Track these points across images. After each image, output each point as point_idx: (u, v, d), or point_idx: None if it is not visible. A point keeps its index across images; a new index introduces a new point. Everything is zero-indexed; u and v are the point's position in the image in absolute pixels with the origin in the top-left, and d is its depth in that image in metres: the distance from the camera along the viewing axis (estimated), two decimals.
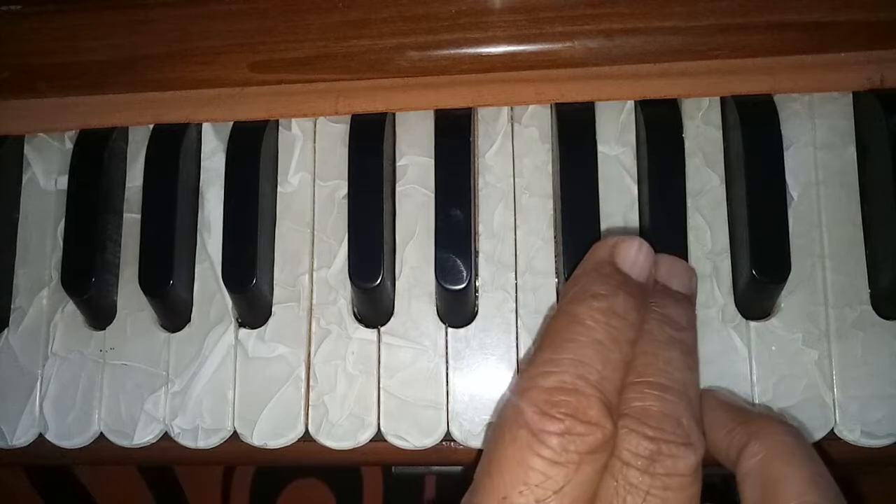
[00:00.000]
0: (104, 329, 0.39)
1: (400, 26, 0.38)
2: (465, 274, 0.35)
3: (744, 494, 0.26)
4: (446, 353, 0.36)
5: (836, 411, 0.34)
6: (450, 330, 0.37)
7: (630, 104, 0.38)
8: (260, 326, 0.38)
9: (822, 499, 0.25)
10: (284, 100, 0.39)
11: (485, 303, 0.37)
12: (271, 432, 0.36)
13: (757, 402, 0.35)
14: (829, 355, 0.35)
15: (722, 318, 0.35)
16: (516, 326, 0.36)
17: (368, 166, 0.37)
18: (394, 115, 0.39)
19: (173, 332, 0.38)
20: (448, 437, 0.36)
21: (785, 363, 0.35)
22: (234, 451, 0.38)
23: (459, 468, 0.41)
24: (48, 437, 0.38)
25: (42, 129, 0.41)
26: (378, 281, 0.35)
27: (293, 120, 0.40)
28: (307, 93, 0.39)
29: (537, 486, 0.24)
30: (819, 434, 0.34)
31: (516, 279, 0.37)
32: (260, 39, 0.39)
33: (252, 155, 0.38)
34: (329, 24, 0.38)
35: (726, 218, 0.36)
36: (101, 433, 0.38)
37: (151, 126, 0.40)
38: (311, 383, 0.37)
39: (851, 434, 0.34)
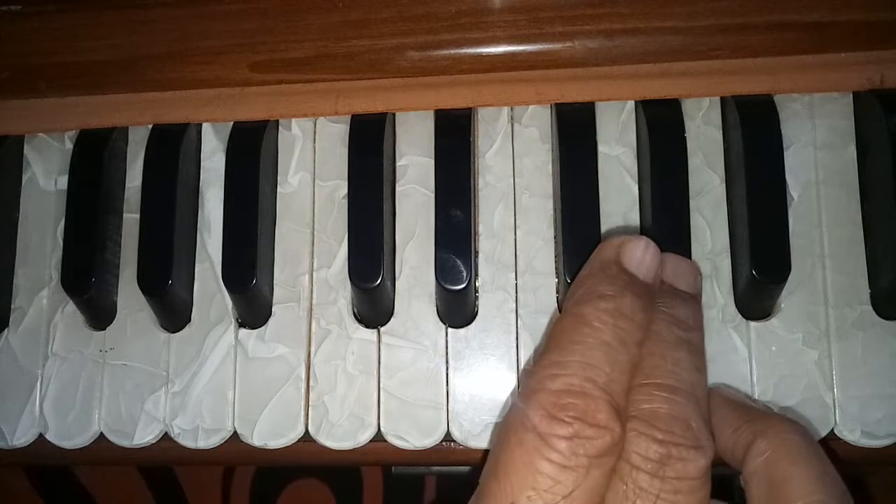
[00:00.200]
0: (104, 329, 0.39)
1: (400, 26, 0.38)
2: (465, 274, 0.35)
3: (750, 494, 0.26)
4: (446, 354, 0.36)
5: (836, 411, 0.34)
6: (450, 330, 0.37)
7: (630, 104, 0.38)
8: (260, 326, 0.38)
9: (829, 497, 0.25)
10: (284, 100, 0.39)
11: (485, 303, 0.37)
12: (271, 432, 0.36)
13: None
14: (829, 355, 0.35)
15: (722, 318, 0.35)
16: (516, 327, 0.36)
17: (368, 166, 0.37)
18: (394, 115, 0.39)
19: (173, 332, 0.38)
20: (448, 437, 0.36)
21: (785, 363, 0.35)
22: (234, 451, 0.38)
23: (459, 468, 0.41)
24: (48, 437, 0.38)
25: (42, 129, 0.41)
26: (378, 281, 0.35)
27: (293, 120, 0.40)
28: (307, 93, 0.39)
29: (546, 490, 0.24)
30: (819, 434, 0.34)
31: (516, 279, 0.37)
32: (260, 39, 0.39)
33: (252, 155, 0.38)
34: (329, 24, 0.38)
35: (726, 218, 0.36)
36: (101, 433, 0.38)
37: (151, 126, 0.40)
38: (311, 383, 0.37)
39: (851, 434, 0.34)
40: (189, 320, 0.38)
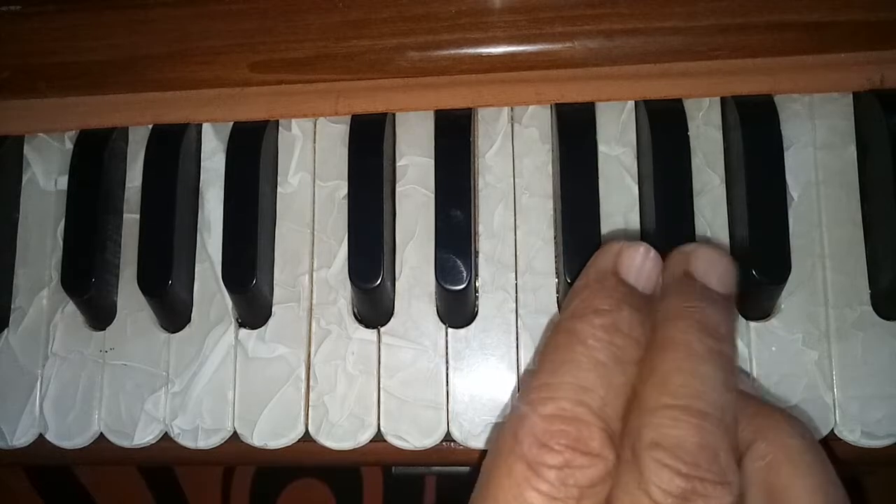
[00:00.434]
0: (104, 329, 0.39)
1: (400, 26, 0.38)
2: (465, 274, 0.35)
3: (748, 498, 0.25)
4: (446, 354, 0.36)
5: (836, 411, 0.34)
6: (450, 330, 0.37)
7: (630, 103, 0.38)
8: (260, 327, 0.38)
9: None
10: (284, 100, 0.39)
11: (485, 303, 0.37)
12: (271, 432, 0.36)
13: None
14: (829, 355, 0.35)
15: None
16: (516, 327, 0.36)
17: (368, 166, 0.37)
18: (394, 115, 0.39)
19: (173, 332, 0.38)
20: (448, 437, 0.36)
21: (785, 363, 0.35)
22: (234, 452, 0.38)
23: (459, 468, 0.41)
24: (48, 437, 0.38)
25: (42, 129, 0.41)
26: (378, 281, 0.35)
27: (293, 120, 0.40)
28: (307, 93, 0.39)
29: None
30: (819, 434, 0.34)
31: (516, 279, 0.37)
32: (260, 39, 0.39)
33: (252, 155, 0.38)
34: (329, 24, 0.38)
35: (726, 218, 0.36)
36: (101, 433, 0.38)
37: (151, 126, 0.40)
38: (311, 383, 0.37)
39: (851, 434, 0.34)
40: (189, 320, 0.38)
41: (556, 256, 0.37)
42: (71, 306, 0.39)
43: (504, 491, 0.24)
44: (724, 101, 0.38)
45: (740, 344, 0.35)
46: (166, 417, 0.37)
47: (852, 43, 0.36)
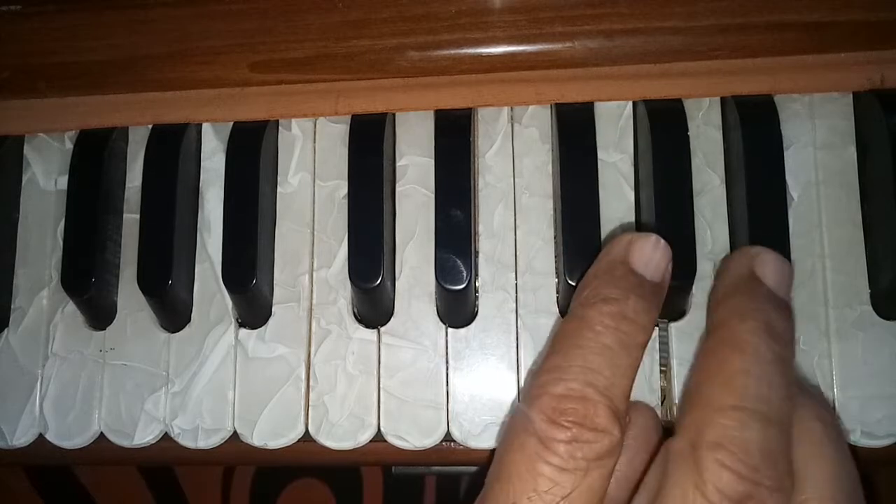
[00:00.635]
0: (104, 329, 0.39)
1: (400, 26, 0.38)
2: (465, 274, 0.35)
3: None
4: (446, 354, 0.36)
5: (836, 411, 0.34)
6: (450, 330, 0.37)
7: (629, 111, 0.38)
8: (260, 326, 0.38)
9: (842, 500, 0.24)
10: (284, 100, 0.39)
11: (485, 303, 0.37)
12: (271, 432, 0.36)
13: None
14: (829, 355, 0.35)
15: None
16: (516, 327, 0.36)
17: (368, 166, 0.37)
18: (394, 115, 0.39)
19: (173, 332, 0.38)
20: (448, 437, 0.36)
21: None
22: (234, 451, 0.38)
23: (459, 468, 0.41)
24: (48, 437, 0.38)
25: (42, 129, 0.41)
26: (378, 281, 0.35)
27: (293, 120, 0.40)
28: (307, 93, 0.39)
29: (546, 492, 0.25)
30: None
31: (516, 279, 0.37)
32: (260, 39, 0.39)
33: (252, 155, 0.38)
34: (329, 24, 0.38)
35: (726, 218, 0.36)
36: (101, 433, 0.38)
37: (151, 126, 0.40)
38: (311, 383, 0.37)
39: (851, 434, 0.34)
40: (189, 320, 0.38)
41: (556, 256, 0.37)
42: (71, 306, 0.39)
43: (518, 464, 0.25)
44: (724, 100, 0.37)
45: None
46: (166, 417, 0.37)
47: (852, 43, 0.36)
